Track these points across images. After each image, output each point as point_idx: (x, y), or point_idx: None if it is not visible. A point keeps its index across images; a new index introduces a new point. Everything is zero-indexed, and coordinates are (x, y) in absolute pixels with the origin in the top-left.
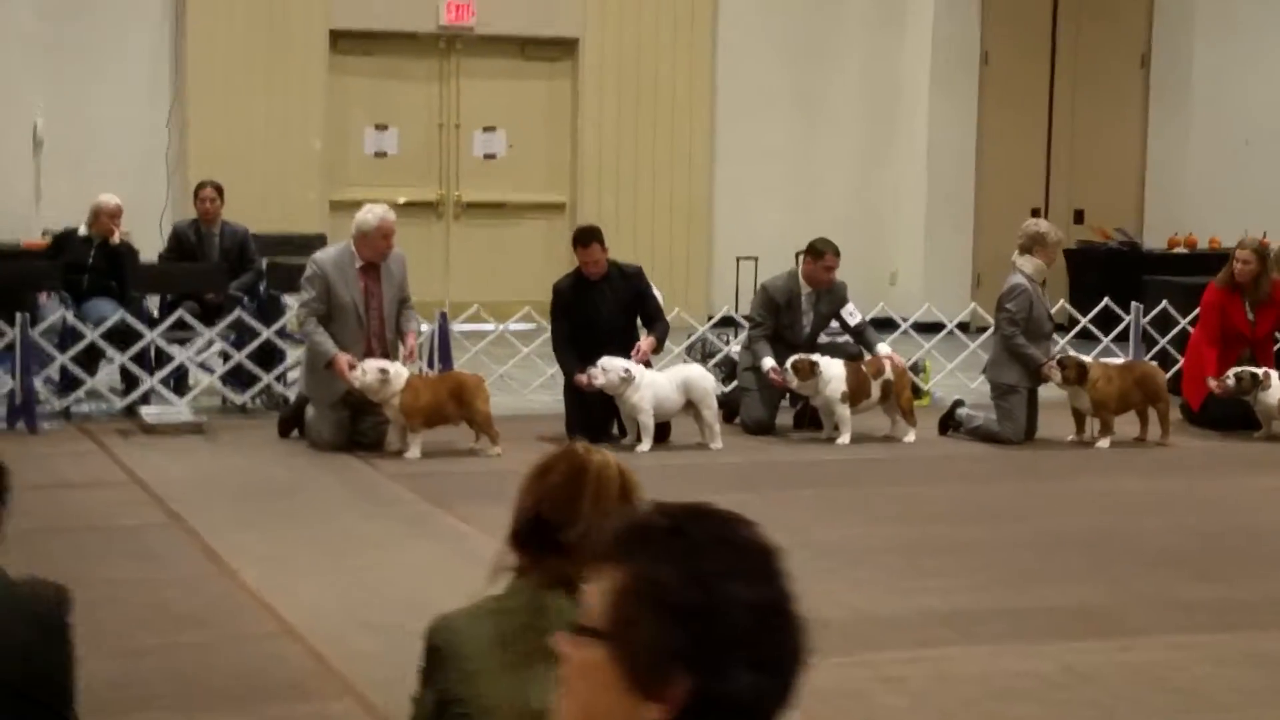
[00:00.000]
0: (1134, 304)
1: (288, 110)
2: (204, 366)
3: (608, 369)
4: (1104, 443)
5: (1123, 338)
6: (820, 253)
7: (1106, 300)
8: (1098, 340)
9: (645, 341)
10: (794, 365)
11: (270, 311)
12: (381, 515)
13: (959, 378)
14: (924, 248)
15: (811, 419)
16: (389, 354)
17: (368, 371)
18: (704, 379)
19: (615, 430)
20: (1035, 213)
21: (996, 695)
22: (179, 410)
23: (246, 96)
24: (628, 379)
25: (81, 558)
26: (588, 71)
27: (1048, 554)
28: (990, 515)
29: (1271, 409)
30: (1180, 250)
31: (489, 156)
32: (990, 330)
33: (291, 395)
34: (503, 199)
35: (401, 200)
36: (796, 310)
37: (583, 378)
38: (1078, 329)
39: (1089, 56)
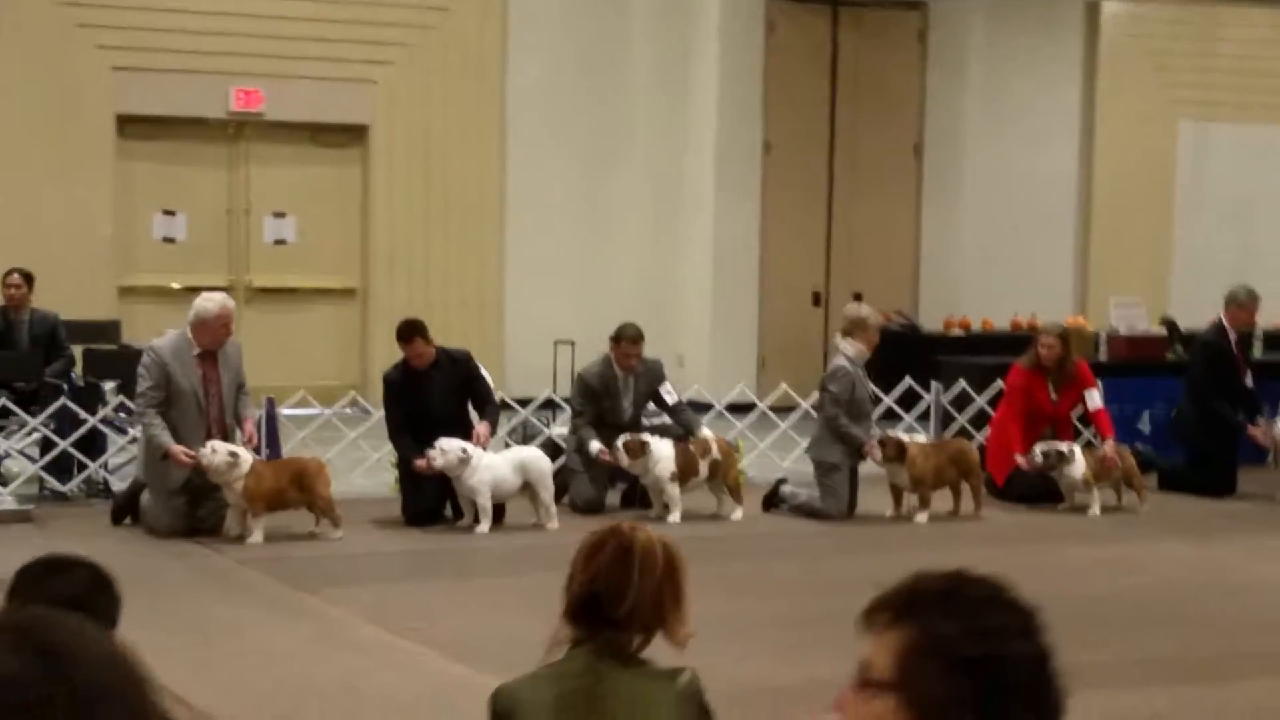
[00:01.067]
0: (933, 383)
1: (76, 195)
2: (21, 454)
3: (446, 450)
4: (922, 517)
5: (922, 416)
6: (617, 339)
7: (909, 380)
8: (898, 419)
9: (482, 427)
10: (625, 445)
11: (88, 398)
12: (241, 600)
13: (771, 457)
14: (710, 330)
15: (639, 498)
16: (229, 440)
17: (217, 451)
18: (540, 460)
19: (449, 512)
20: (817, 296)
21: None
22: (4, 498)
23: (34, 181)
24: (466, 459)
25: None
26: (377, 159)
27: None
28: (842, 588)
29: (1076, 482)
30: (957, 332)
31: (279, 242)
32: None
33: (114, 483)
34: (294, 285)
35: (177, 285)
36: (615, 394)
37: (422, 461)
38: (881, 408)
39: (866, 146)
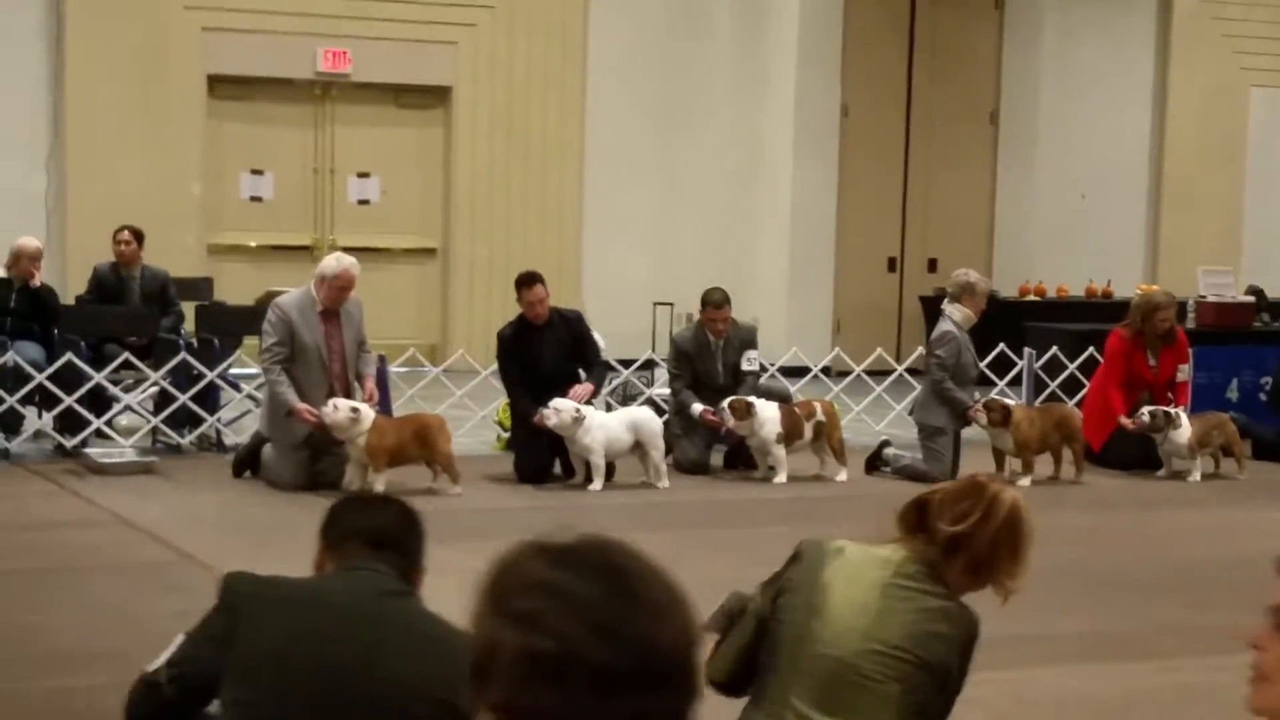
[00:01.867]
0: (1026, 349)
1: (166, 154)
2: (131, 409)
3: (560, 409)
4: (1025, 481)
5: (1014, 381)
6: (704, 304)
7: (1002, 346)
8: (991, 384)
9: (581, 387)
10: (730, 405)
11: (202, 353)
12: None
13: (866, 420)
14: (787, 295)
15: (744, 460)
16: (350, 396)
17: (339, 408)
18: (652, 420)
19: (558, 470)
20: (892, 262)
21: (1079, 713)
22: (124, 451)
23: (125, 140)
24: (580, 419)
25: (133, 595)
26: (460, 120)
27: (1035, 584)
28: None
29: (1180, 447)
30: (1032, 298)
31: (363, 202)
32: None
33: (227, 436)
34: (376, 244)
35: (254, 244)
36: (708, 358)
37: (536, 416)
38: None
39: (942, 112)
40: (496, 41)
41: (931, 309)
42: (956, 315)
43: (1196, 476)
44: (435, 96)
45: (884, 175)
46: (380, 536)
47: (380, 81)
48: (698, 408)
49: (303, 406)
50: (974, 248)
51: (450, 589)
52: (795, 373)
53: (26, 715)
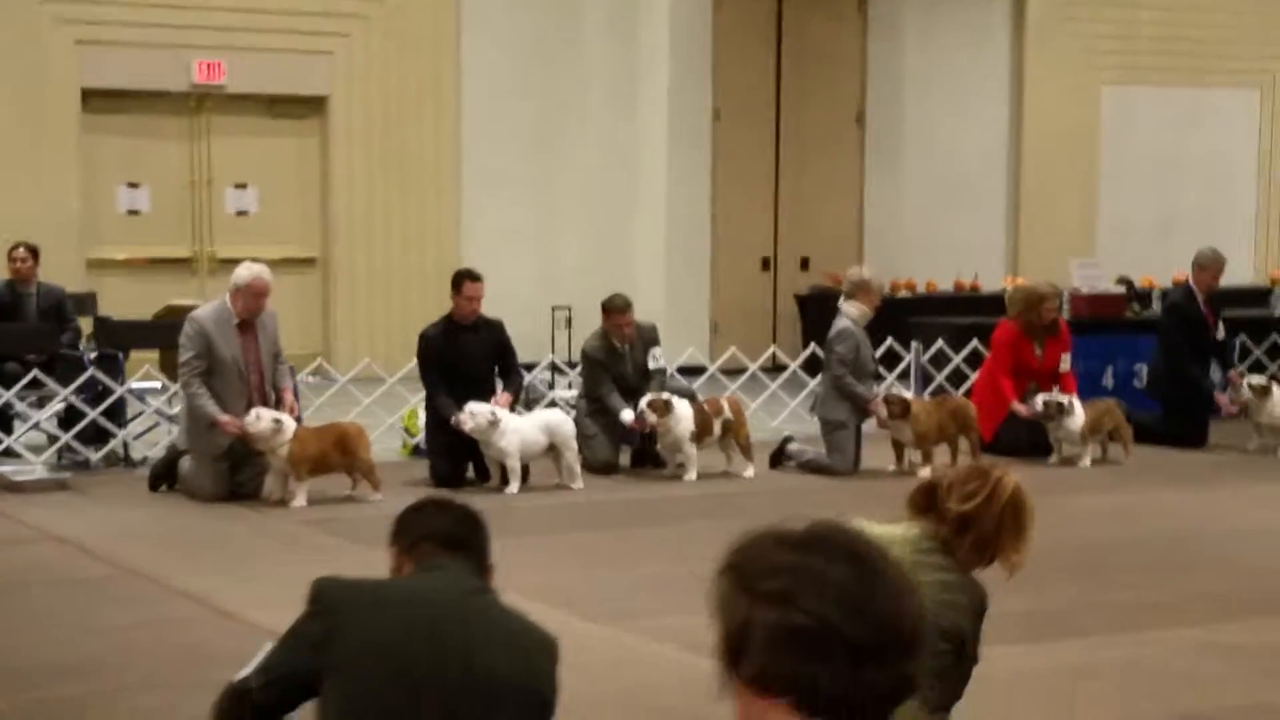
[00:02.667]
0: (914, 343)
1: (43, 170)
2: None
3: (476, 413)
4: (925, 471)
5: (902, 375)
6: (608, 311)
7: (891, 341)
8: (880, 378)
9: (504, 396)
10: (650, 404)
11: (106, 368)
12: (329, 561)
13: (760, 416)
14: (665, 297)
15: (651, 458)
16: (268, 406)
17: (262, 418)
18: (566, 423)
19: (470, 474)
20: (766, 262)
21: (1032, 688)
22: (35, 468)
23: (1, 156)
24: (495, 422)
25: (84, 609)
26: (336, 130)
27: None
28: None
29: (1073, 434)
30: (904, 294)
31: (241, 213)
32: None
33: (135, 451)
34: (256, 255)
35: (130, 257)
36: (619, 362)
37: (455, 419)
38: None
39: (810, 115)
40: (371, 52)
41: (806, 307)
42: (853, 312)
43: (1087, 462)
44: (311, 107)
45: (756, 176)
46: (454, 538)
47: (255, 92)
48: (627, 415)
49: (226, 418)
50: (845, 246)
51: None
52: (685, 372)
53: None
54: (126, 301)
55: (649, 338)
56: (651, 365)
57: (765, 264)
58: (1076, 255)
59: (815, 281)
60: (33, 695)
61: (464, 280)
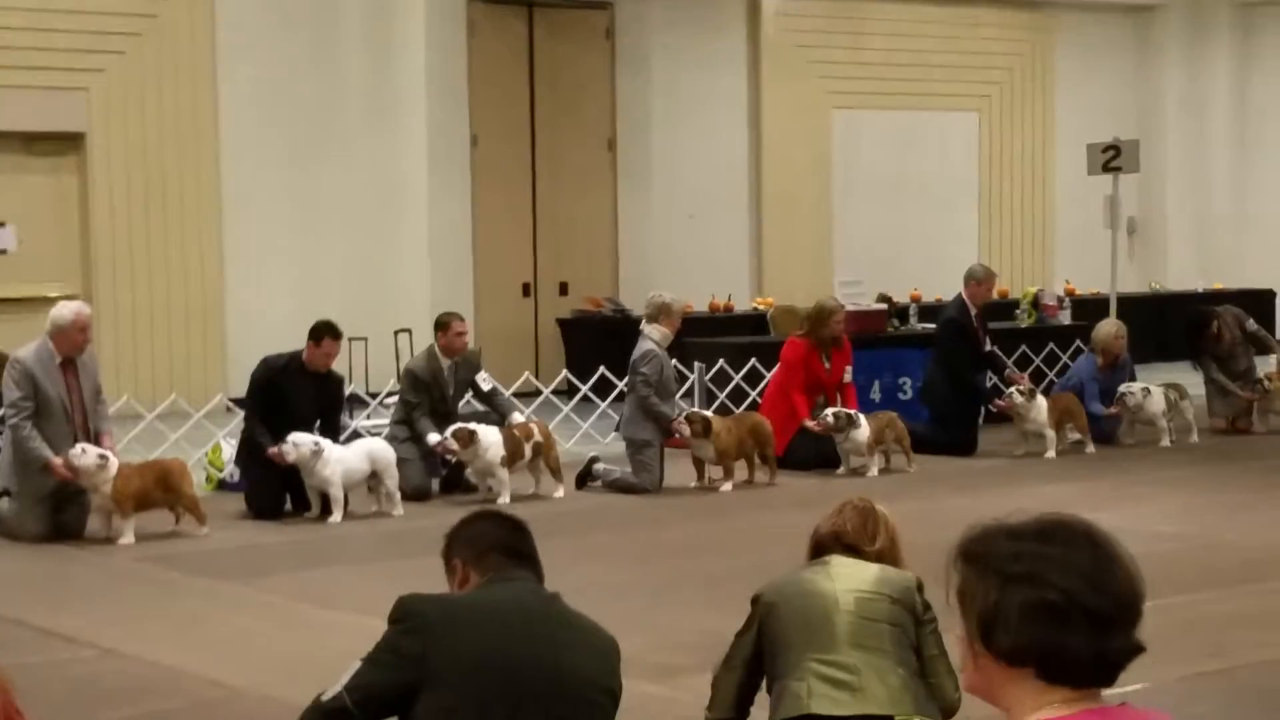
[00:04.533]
0: (696, 364)
1: None
2: None
3: (299, 444)
4: (727, 486)
5: (685, 394)
6: (446, 324)
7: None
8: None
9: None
10: (454, 435)
11: None
12: (176, 593)
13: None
14: (429, 320)
15: (460, 483)
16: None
17: (87, 452)
18: (387, 450)
19: (288, 505)
20: (526, 288)
21: None
22: None
23: None
24: (319, 451)
25: None
26: (95, 165)
27: None
28: (705, 550)
29: (860, 445)
30: None
31: (0, 251)
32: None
33: None
34: (16, 294)
35: None
36: (442, 384)
37: (275, 451)
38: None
39: (564, 141)
40: (128, 87)
41: (571, 332)
42: (655, 335)
43: (874, 472)
44: (68, 143)
45: (515, 202)
46: (518, 549)
47: (11, 130)
48: (434, 437)
49: (58, 460)
50: (602, 270)
51: (264, 621)
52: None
53: None
54: None
55: (474, 361)
56: (485, 386)
57: (526, 289)
58: (816, 269)
59: (575, 305)
60: None
61: (324, 335)
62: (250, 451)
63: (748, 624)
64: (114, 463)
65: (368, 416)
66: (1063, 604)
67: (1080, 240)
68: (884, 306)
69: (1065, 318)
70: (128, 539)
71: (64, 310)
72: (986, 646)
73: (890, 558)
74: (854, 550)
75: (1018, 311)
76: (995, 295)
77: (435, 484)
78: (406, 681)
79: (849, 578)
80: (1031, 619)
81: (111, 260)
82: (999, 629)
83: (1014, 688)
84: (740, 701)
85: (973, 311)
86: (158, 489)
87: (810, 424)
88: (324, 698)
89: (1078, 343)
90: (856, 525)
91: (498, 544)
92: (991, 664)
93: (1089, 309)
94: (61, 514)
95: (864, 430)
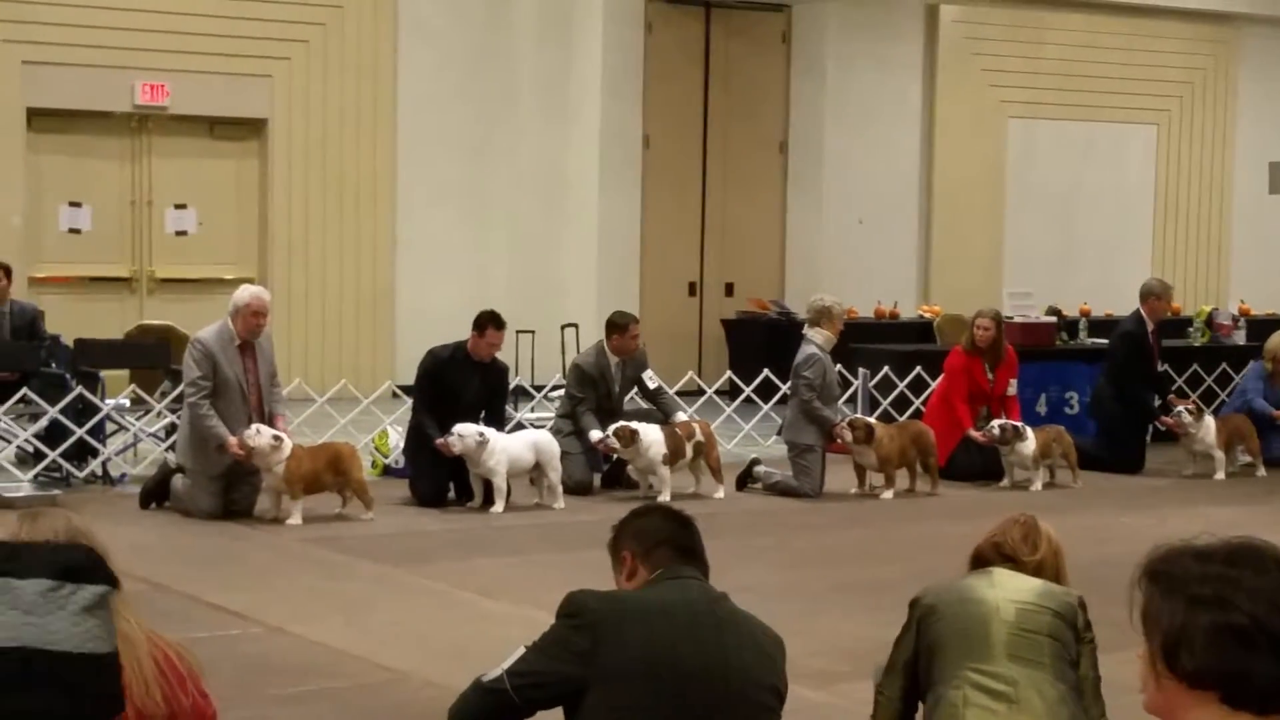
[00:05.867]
0: (861, 370)
1: None
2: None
3: (464, 434)
4: (888, 494)
5: (848, 400)
6: (624, 325)
7: (839, 367)
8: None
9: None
10: (616, 433)
11: (87, 387)
12: (342, 576)
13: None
14: (596, 320)
15: (621, 479)
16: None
17: (262, 433)
18: (552, 443)
19: (452, 494)
20: (692, 287)
21: None
22: (22, 485)
23: None
24: (484, 442)
25: None
26: (276, 152)
27: None
28: (864, 557)
29: (1025, 458)
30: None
31: (180, 233)
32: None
33: (113, 469)
34: (194, 275)
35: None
36: (609, 381)
37: (442, 442)
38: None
39: (736, 143)
40: (311, 75)
41: (732, 332)
42: (818, 339)
43: (1038, 486)
44: (251, 129)
45: (684, 202)
46: (687, 546)
47: (197, 114)
48: (596, 434)
49: (234, 440)
50: (768, 272)
51: (428, 607)
52: None
53: None
54: (66, 320)
55: (640, 360)
56: (651, 385)
57: (692, 289)
58: (986, 278)
59: (740, 306)
60: None
61: (488, 325)
62: (417, 440)
63: (906, 627)
64: (288, 444)
65: (532, 409)
66: (1249, 628)
67: (1257, 259)
68: (1053, 319)
69: (1240, 338)
70: (296, 520)
71: (243, 293)
72: (1170, 668)
73: (1051, 572)
74: (1013, 561)
75: (1190, 330)
76: (1169, 313)
77: (597, 479)
78: (572, 676)
79: (1011, 588)
80: (1217, 642)
81: (288, 245)
82: (1183, 651)
83: (1197, 711)
84: (906, 712)
85: (1149, 328)
86: (328, 472)
87: (975, 434)
88: (485, 679)
89: (1251, 364)
90: (1017, 537)
91: (668, 539)
92: (1174, 685)
93: (1264, 330)
94: (233, 492)
95: (1030, 443)
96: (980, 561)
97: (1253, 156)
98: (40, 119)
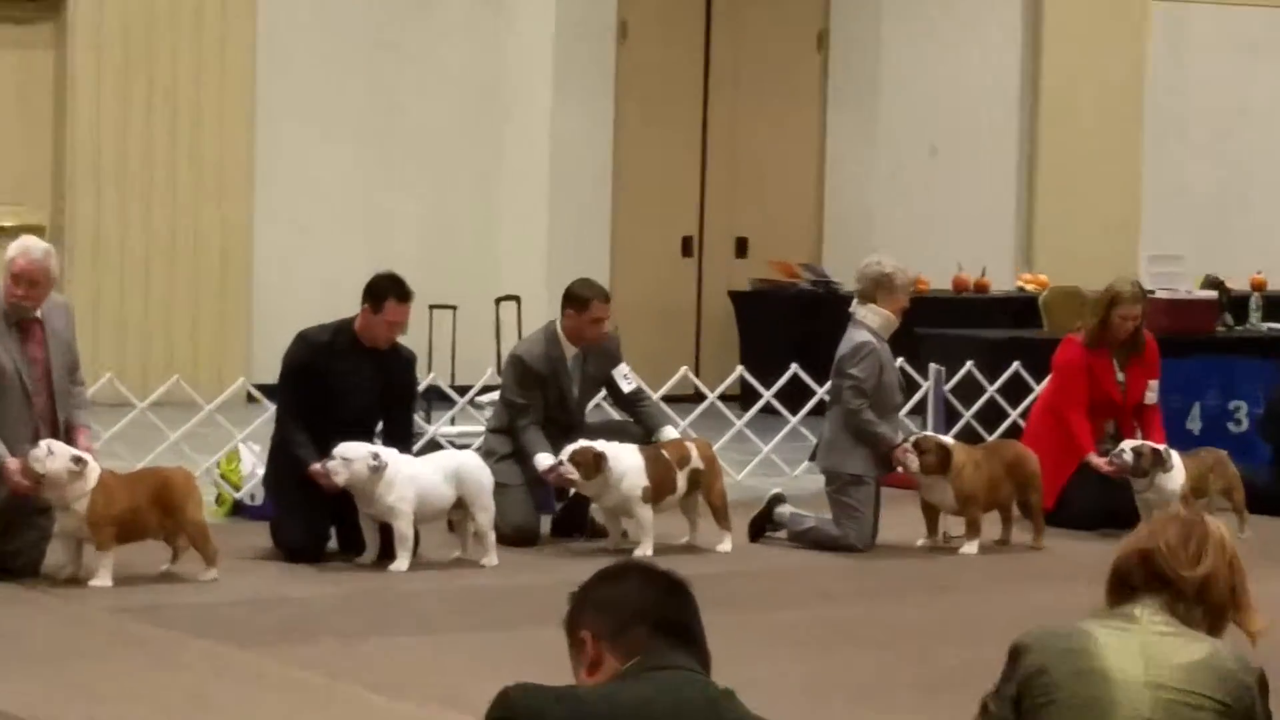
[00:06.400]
0: (932, 367)
1: None
2: None
3: (350, 458)
4: (971, 547)
5: (915, 410)
6: (585, 300)
7: (902, 362)
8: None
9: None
10: (573, 459)
11: None
12: (170, 662)
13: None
14: (545, 287)
15: (580, 525)
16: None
17: (55, 454)
18: (480, 469)
19: (334, 544)
20: (687, 244)
21: None
22: None
23: None
24: (378, 468)
25: None
26: (79, 41)
27: None
28: (930, 638)
29: (1171, 495)
30: None
31: None
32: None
33: None
34: None
35: None
36: (563, 379)
37: (319, 468)
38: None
39: (753, 34)
40: None
41: (744, 308)
42: (872, 320)
43: None
44: (42, 5)
45: (676, 122)
46: (675, 622)
47: None
48: (544, 459)
49: (15, 463)
50: (799, 223)
51: (293, 707)
52: None
53: None
54: None
55: (611, 353)
56: (626, 388)
57: (686, 246)
58: (1115, 236)
59: (758, 272)
60: None
61: (387, 297)
62: (282, 465)
63: (1005, 678)
64: (94, 470)
65: (452, 421)
66: None
67: None
68: (1214, 295)
69: None
70: (104, 580)
71: (12, 250)
72: None
73: (1221, 592)
74: (1165, 580)
75: None
76: None
77: (546, 523)
78: None
79: (1159, 660)
80: None
81: (94, 178)
82: None
83: None
84: None
85: None
86: (151, 511)
87: (1097, 461)
88: None
89: None
90: (1174, 542)
91: (647, 614)
92: None
93: None
94: (10, 541)
95: (1177, 474)
96: (1121, 581)
97: None
98: None
